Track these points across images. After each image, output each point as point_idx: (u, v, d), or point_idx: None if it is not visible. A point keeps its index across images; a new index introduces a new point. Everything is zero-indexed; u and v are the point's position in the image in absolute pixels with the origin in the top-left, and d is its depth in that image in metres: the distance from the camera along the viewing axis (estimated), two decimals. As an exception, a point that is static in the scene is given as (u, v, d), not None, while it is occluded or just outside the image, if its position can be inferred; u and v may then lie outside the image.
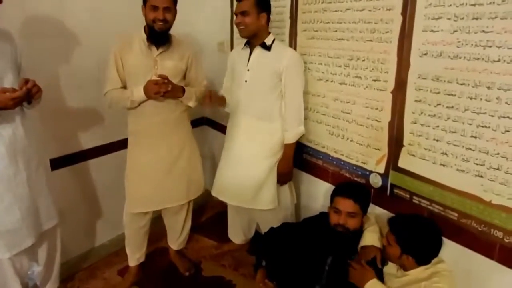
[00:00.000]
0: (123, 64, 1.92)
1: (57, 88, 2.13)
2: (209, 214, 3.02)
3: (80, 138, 2.31)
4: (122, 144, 2.42)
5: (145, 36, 1.90)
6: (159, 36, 1.87)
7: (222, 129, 2.91)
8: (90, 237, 2.53)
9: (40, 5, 1.96)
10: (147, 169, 2.03)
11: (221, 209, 3.06)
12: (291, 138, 1.96)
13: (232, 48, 2.62)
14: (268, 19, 1.91)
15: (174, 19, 1.89)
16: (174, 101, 1.99)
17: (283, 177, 2.04)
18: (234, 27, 2.52)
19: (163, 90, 1.81)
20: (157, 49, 1.91)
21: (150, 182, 2.04)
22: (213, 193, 2.19)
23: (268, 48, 1.90)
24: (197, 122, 3.02)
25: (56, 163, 2.12)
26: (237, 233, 2.50)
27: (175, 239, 2.38)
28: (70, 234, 2.19)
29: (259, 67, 1.93)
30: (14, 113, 1.58)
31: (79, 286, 2.25)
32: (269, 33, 1.93)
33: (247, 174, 2.01)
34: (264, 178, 1.99)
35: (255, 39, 1.91)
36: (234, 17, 1.89)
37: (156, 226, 2.32)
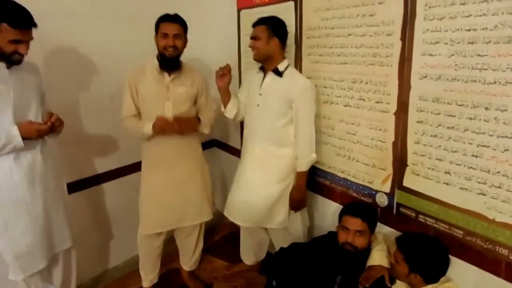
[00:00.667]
0: (137, 91, 2.00)
1: (73, 115, 2.22)
2: (221, 234, 3.05)
3: (93, 162, 2.39)
4: (134, 168, 2.50)
5: (157, 63, 1.98)
6: (170, 62, 1.96)
7: (232, 150, 2.98)
8: (103, 260, 2.59)
9: (60, 38, 2.08)
10: (160, 192, 2.09)
11: (233, 229, 3.08)
12: (303, 166, 1.97)
13: (240, 73, 2.70)
14: (283, 45, 1.96)
15: (184, 46, 1.99)
16: None
17: (297, 204, 2.03)
18: (242, 52, 2.64)
19: (168, 130, 1.92)
20: (169, 75, 1.99)
21: (163, 204, 2.10)
22: (225, 214, 2.21)
23: (280, 74, 1.93)
24: (207, 144, 3.09)
25: (71, 187, 2.18)
26: (248, 254, 2.52)
27: (188, 260, 2.42)
28: (84, 256, 2.24)
29: (271, 92, 1.96)
30: (35, 141, 1.67)
31: (94, 308, 2.30)
32: (284, 58, 1.97)
33: (257, 198, 2.03)
34: (274, 200, 2.01)
35: (267, 64, 1.96)
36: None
37: (169, 248, 2.36)
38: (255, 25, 1.95)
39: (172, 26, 1.91)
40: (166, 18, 1.92)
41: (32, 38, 1.55)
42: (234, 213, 2.16)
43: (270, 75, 1.96)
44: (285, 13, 2.15)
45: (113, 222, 2.58)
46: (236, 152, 2.93)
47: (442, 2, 1.42)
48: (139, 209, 2.17)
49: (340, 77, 1.92)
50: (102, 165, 2.44)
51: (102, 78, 2.29)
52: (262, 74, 2.02)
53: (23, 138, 1.55)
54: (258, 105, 2.00)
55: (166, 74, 2.00)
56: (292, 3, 2.13)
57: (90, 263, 2.47)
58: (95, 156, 2.38)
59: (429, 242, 1.54)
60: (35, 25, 1.53)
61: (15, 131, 1.54)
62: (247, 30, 2.53)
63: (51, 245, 1.79)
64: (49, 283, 1.92)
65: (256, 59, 1.97)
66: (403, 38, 1.59)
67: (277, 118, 1.95)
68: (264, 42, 1.90)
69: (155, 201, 2.10)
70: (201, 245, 2.42)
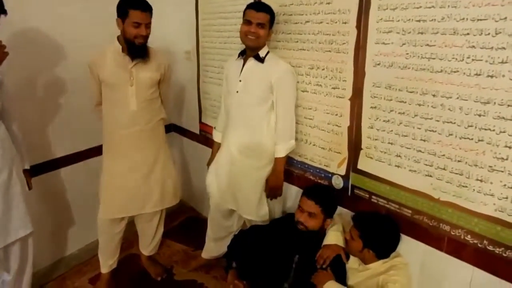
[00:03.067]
0: (99, 77, 1.95)
1: (31, 97, 2.14)
2: (180, 219, 3.06)
3: (50, 146, 2.31)
4: (91, 152, 2.44)
5: (119, 47, 1.92)
6: (140, 50, 1.91)
7: (190, 135, 2.97)
8: (59, 247, 2.53)
9: (28, 17, 2.00)
10: (123, 176, 2.06)
11: (192, 214, 3.12)
12: (282, 152, 1.94)
13: (198, 56, 2.67)
14: None
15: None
16: (150, 112, 2.06)
17: (273, 191, 2.01)
18: (200, 36, 2.60)
19: None
20: (132, 60, 1.94)
21: (126, 189, 2.07)
22: (207, 185, 2.19)
23: (261, 60, 1.89)
24: (165, 129, 3.05)
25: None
26: (210, 245, 2.45)
27: (147, 245, 2.41)
28: (39, 244, 2.17)
29: (251, 78, 1.91)
30: None
31: (50, 297, 2.25)
32: (265, 44, 1.92)
33: (238, 184, 2.02)
34: (254, 190, 2.00)
35: (252, 51, 1.90)
36: (244, 26, 1.84)
37: (127, 233, 2.33)
38: (260, 9, 1.82)
39: (144, 15, 1.84)
40: (137, 6, 1.82)
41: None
42: (215, 195, 2.16)
43: (251, 61, 1.91)
44: (244, -2, 2.14)
45: (70, 208, 2.52)
46: (194, 137, 2.92)
47: (395, -7, 1.48)
48: (100, 193, 2.12)
49: (298, 63, 1.95)
50: (59, 149, 2.36)
51: (63, 59, 2.22)
52: (241, 61, 1.96)
53: None
54: (237, 92, 1.96)
55: (128, 59, 1.94)
56: (251, -12, 2.12)
57: (45, 251, 2.40)
58: (51, 140, 2.30)
59: (382, 220, 1.64)
60: (5, 12, 1.53)
61: None
62: (205, 14, 2.52)
63: (7, 229, 1.75)
64: (5, 270, 1.87)
65: (253, 45, 1.86)
66: (358, 26, 1.64)
67: (257, 104, 1.91)
68: (267, 32, 1.85)
69: (117, 186, 2.07)
70: (161, 230, 2.43)
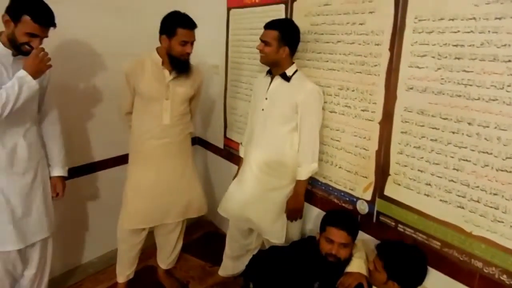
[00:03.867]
0: (135, 87, 1.97)
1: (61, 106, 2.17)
2: (199, 233, 3.04)
3: (75, 154, 2.33)
4: (115, 162, 2.46)
5: (159, 60, 1.94)
6: (184, 65, 1.95)
7: (214, 149, 2.96)
8: (77, 254, 2.55)
9: (64, 30, 2.02)
10: (149, 187, 2.06)
11: (211, 229, 3.09)
12: (303, 175, 1.89)
13: (226, 71, 2.68)
14: (292, 53, 1.88)
15: None
16: (180, 126, 2.08)
17: (293, 214, 1.96)
18: (229, 51, 2.62)
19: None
20: (170, 73, 1.96)
21: (151, 200, 2.07)
22: (220, 212, 2.15)
23: (287, 79, 1.86)
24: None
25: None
26: (227, 262, 2.42)
27: (165, 259, 2.40)
28: (58, 249, 2.19)
29: (277, 97, 1.88)
30: (19, 125, 1.68)
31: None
32: (293, 63, 1.89)
33: (256, 202, 1.98)
34: (273, 209, 1.96)
35: (275, 69, 1.88)
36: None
37: (145, 244, 2.32)
38: (267, 27, 1.83)
39: (192, 34, 1.89)
40: (186, 25, 1.86)
41: (47, 36, 1.59)
42: (229, 211, 2.12)
43: (278, 80, 1.88)
44: (275, 15, 2.14)
45: (90, 216, 2.53)
46: (218, 151, 2.91)
47: (431, 16, 1.43)
48: (123, 203, 2.12)
49: (327, 83, 1.92)
50: (83, 157, 2.39)
51: (89, 67, 2.27)
52: (269, 78, 1.94)
53: (34, 77, 1.54)
54: (263, 110, 1.93)
55: (167, 72, 1.96)
56: (282, 6, 2.12)
57: (64, 257, 2.42)
58: (73, 148, 2.31)
59: (409, 251, 1.56)
60: (54, 25, 1.58)
61: (21, 72, 1.52)
62: (236, 29, 2.53)
63: (28, 231, 1.77)
64: (23, 272, 1.90)
65: (262, 62, 1.89)
66: (391, 49, 1.60)
67: (281, 123, 1.88)
68: (274, 49, 1.81)
69: (142, 196, 2.07)
70: (180, 244, 2.41)
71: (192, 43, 1.91)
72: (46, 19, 1.54)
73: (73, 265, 2.51)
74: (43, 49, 1.56)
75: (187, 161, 2.19)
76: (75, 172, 2.34)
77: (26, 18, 1.48)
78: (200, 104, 2.68)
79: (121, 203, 2.14)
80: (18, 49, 1.56)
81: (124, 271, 2.28)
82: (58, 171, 1.94)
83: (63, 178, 1.97)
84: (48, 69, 1.60)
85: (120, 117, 2.20)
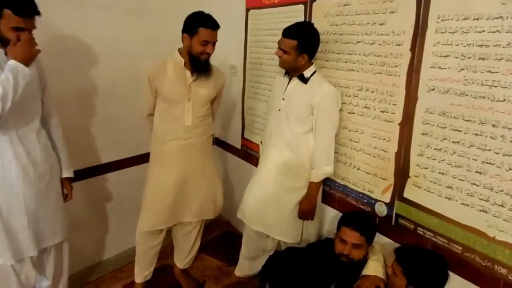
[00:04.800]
0: (156, 88, 1.98)
1: (76, 104, 2.22)
2: (215, 233, 3.05)
3: (92, 153, 2.37)
4: (134, 161, 2.49)
5: (181, 61, 1.94)
6: (204, 66, 1.94)
7: (232, 150, 2.97)
8: (97, 251, 2.58)
9: (64, 25, 2.07)
10: (169, 188, 2.06)
11: (228, 228, 3.10)
12: (316, 177, 1.89)
13: (245, 72, 2.68)
14: (312, 56, 1.86)
15: None
16: (202, 127, 2.08)
17: (304, 215, 1.96)
18: (248, 52, 2.62)
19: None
20: (193, 75, 1.96)
21: (171, 200, 2.07)
22: (239, 216, 2.15)
23: (305, 80, 1.85)
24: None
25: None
26: (244, 263, 2.42)
27: (183, 258, 2.41)
28: (78, 247, 2.23)
29: (294, 98, 1.88)
30: (30, 127, 1.66)
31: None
32: (311, 63, 1.87)
33: (272, 203, 1.98)
34: (288, 211, 1.96)
35: (294, 71, 1.88)
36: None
37: (163, 243, 2.34)
38: (285, 35, 1.79)
39: (214, 34, 1.87)
40: (209, 24, 1.84)
41: (34, 27, 1.52)
42: (247, 215, 2.10)
43: (295, 81, 1.88)
44: (294, 16, 2.13)
45: (109, 214, 2.57)
46: (236, 151, 2.92)
47: (455, 16, 1.40)
48: (143, 204, 2.13)
49: (346, 83, 1.90)
50: (102, 156, 2.42)
51: (103, 67, 2.28)
52: (287, 79, 1.94)
53: (25, 64, 1.45)
54: (279, 110, 1.93)
55: (188, 73, 1.96)
56: (301, 6, 2.11)
57: (84, 254, 2.46)
58: (93, 147, 2.37)
59: (429, 256, 1.53)
60: (38, 13, 1.49)
61: (11, 62, 1.43)
62: (254, 30, 2.53)
63: (42, 235, 1.76)
64: (41, 275, 1.90)
65: (281, 66, 1.89)
66: (412, 49, 1.57)
67: (297, 124, 1.87)
68: (293, 57, 1.79)
69: (162, 198, 2.07)
70: (198, 244, 2.41)
71: (213, 44, 1.89)
72: (27, 10, 1.46)
73: (92, 262, 2.55)
74: (29, 35, 1.49)
75: (208, 162, 2.20)
76: (95, 170, 2.39)
77: (7, 12, 1.41)
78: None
79: (141, 204, 2.16)
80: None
81: (142, 272, 2.29)
82: (66, 172, 1.90)
83: (70, 180, 1.96)
84: (37, 53, 1.53)
85: (142, 118, 2.21)
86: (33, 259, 1.79)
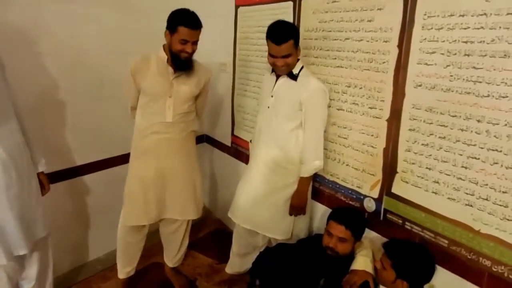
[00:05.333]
0: (139, 82, 1.96)
1: (56, 102, 2.18)
2: (206, 230, 3.05)
3: (75, 153, 2.33)
4: (121, 160, 2.47)
5: (165, 57, 1.93)
6: (184, 64, 1.92)
7: (221, 147, 2.97)
8: (83, 252, 2.56)
9: (50, 23, 2.05)
10: (149, 184, 2.05)
11: (219, 226, 3.10)
12: (306, 172, 1.89)
13: (234, 69, 2.69)
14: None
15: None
16: (183, 123, 2.06)
17: (295, 210, 1.97)
18: (237, 49, 2.62)
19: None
20: (174, 72, 1.94)
21: (151, 195, 2.06)
22: (229, 215, 2.15)
23: (294, 77, 1.85)
24: (197, 140, 3.06)
25: (53, 177, 2.10)
26: (234, 260, 2.43)
27: (172, 257, 2.41)
28: (64, 248, 2.21)
29: (282, 94, 1.88)
30: (10, 130, 1.62)
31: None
32: (298, 60, 1.86)
33: (260, 203, 1.98)
34: (278, 208, 1.97)
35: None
36: (270, 58, 1.79)
37: (152, 241, 2.34)
38: (280, 42, 1.72)
39: (193, 33, 1.83)
40: (188, 23, 1.80)
41: None
42: (237, 214, 2.10)
43: (284, 78, 1.88)
44: (283, 13, 2.14)
45: (96, 214, 2.55)
46: (226, 149, 2.92)
47: (441, 13, 1.42)
48: (124, 200, 2.12)
49: (335, 80, 1.92)
50: (84, 157, 2.39)
51: (88, 64, 2.26)
52: (275, 76, 1.93)
53: None
54: (268, 107, 1.94)
55: (171, 70, 1.94)
56: (291, 3, 2.12)
57: (69, 255, 2.43)
58: (76, 147, 2.33)
59: (417, 249, 1.56)
60: None
61: None
62: (244, 27, 2.53)
63: (30, 233, 1.74)
64: (25, 279, 1.86)
65: (285, 73, 1.85)
66: (400, 46, 1.59)
67: (286, 121, 1.88)
68: (295, 55, 1.79)
69: (142, 192, 2.06)
70: (186, 242, 2.41)
71: (194, 43, 1.86)
72: None
73: (80, 262, 2.53)
74: None
75: (190, 160, 2.18)
76: (77, 171, 2.36)
77: None
78: (208, 102, 2.69)
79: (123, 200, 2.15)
80: None
81: (124, 268, 2.29)
82: (40, 166, 1.86)
83: (44, 174, 1.91)
84: None
85: (126, 116, 2.19)
86: (19, 259, 1.76)
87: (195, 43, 1.87)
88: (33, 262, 1.87)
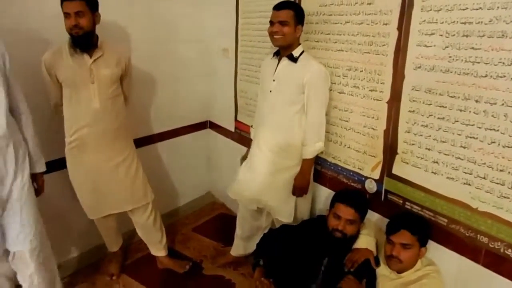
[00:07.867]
0: (56, 76, 1.88)
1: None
2: (211, 215, 3.11)
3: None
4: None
5: (70, 44, 1.85)
6: (79, 42, 1.81)
7: (225, 132, 3.00)
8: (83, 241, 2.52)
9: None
10: (89, 177, 2.03)
11: (223, 210, 3.15)
12: (308, 154, 1.92)
13: (236, 54, 2.70)
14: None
15: (92, 23, 1.82)
16: (114, 110, 2.00)
17: (298, 191, 1.99)
18: (239, 34, 2.63)
19: None
20: (90, 57, 1.87)
21: (92, 191, 2.06)
22: (231, 195, 2.19)
23: (294, 60, 1.86)
24: (201, 125, 3.11)
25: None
26: (239, 242, 2.47)
27: (159, 246, 2.40)
28: (63, 237, 2.26)
29: (284, 78, 1.90)
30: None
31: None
32: (299, 44, 1.89)
33: (266, 183, 2.01)
34: (282, 189, 2.00)
35: (285, 50, 1.88)
36: (269, 27, 1.84)
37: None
38: (280, 8, 1.80)
39: (71, 5, 1.72)
40: None
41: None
42: (243, 199, 2.14)
43: (285, 61, 1.89)
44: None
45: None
46: (229, 135, 2.95)
47: (440, -6, 1.43)
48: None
49: (336, 64, 1.93)
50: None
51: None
52: (276, 60, 1.96)
53: None
54: (270, 91, 1.96)
55: (87, 56, 1.86)
56: (291, -13, 2.12)
57: (69, 244, 2.44)
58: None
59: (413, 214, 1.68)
60: None
61: None
62: (246, 12, 2.54)
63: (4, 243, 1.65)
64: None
65: (279, 44, 1.85)
66: (399, 28, 1.60)
67: (289, 104, 1.89)
68: (292, 29, 1.79)
69: (84, 189, 2.06)
70: (162, 226, 2.40)
71: (78, 15, 1.73)
72: None
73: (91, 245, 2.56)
74: None
75: (126, 149, 2.11)
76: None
77: None
78: (210, 87, 2.68)
79: None
80: None
81: (111, 245, 2.42)
82: (37, 167, 1.78)
83: (42, 175, 1.85)
84: None
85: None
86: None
87: (79, 14, 1.74)
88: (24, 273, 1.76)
